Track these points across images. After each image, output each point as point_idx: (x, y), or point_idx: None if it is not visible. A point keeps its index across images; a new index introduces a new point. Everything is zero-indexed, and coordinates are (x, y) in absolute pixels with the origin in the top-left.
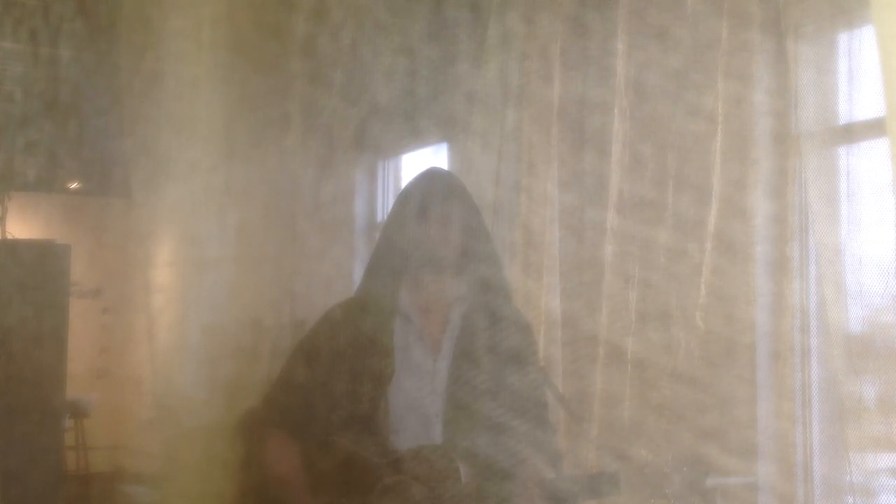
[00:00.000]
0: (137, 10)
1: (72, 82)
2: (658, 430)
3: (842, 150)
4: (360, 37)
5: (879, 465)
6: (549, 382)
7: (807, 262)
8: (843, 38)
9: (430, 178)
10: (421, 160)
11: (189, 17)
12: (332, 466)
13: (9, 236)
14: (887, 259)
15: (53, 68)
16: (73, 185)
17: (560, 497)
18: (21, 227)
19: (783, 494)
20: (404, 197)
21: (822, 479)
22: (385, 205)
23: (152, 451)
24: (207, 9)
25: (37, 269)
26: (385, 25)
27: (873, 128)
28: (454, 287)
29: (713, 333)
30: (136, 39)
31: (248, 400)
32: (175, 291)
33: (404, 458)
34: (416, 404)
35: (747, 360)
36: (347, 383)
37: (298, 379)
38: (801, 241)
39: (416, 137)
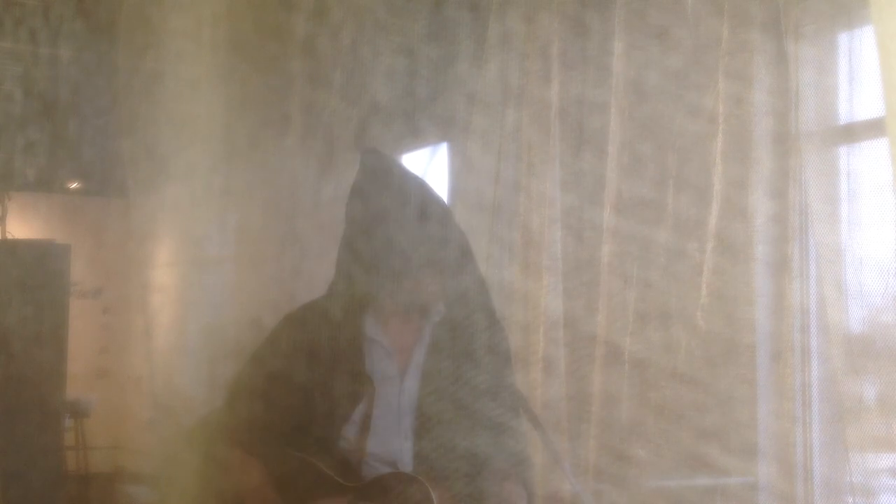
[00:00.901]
0: (137, 10)
1: (72, 82)
2: (658, 430)
3: (842, 150)
4: (360, 37)
5: (879, 465)
6: (520, 398)
7: (807, 262)
8: (843, 38)
9: (370, 172)
10: (421, 160)
11: (189, 16)
12: (298, 486)
13: (9, 236)
14: (887, 259)
15: (53, 68)
16: (73, 185)
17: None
18: (21, 227)
19: (783, 494)
20: (356, 196)
21: (822, 479)
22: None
23: (152, 451)
24: (207, 9)
25: (37, 269)
26: (385, 25)
27: (873, 128)
28: (424, 295)
29: (713, 333)
30: (136, 39)
31: (249, 400)
32: (175, 291)
33: (374, 483)
34: (386, 422)
35: (747, 361)
36: (315, 399)
37: (258, 389)
38: (801, 242)
39: (416, 137)
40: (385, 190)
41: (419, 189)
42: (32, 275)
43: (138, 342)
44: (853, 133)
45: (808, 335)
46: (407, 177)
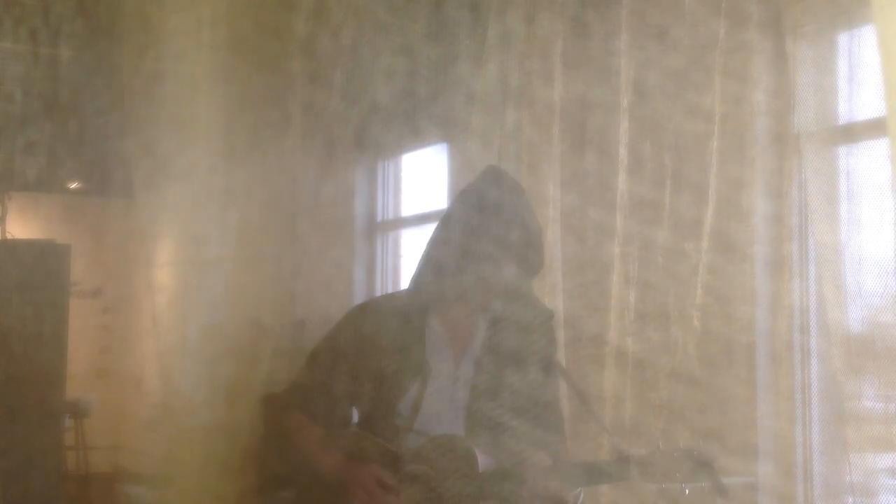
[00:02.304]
0: (137, 10)
1: (72, 82)
2: (658, 430)
3: (842, 150)
4: (360, 37)
5: (879, 465)
6: (569, 381)
7: (806, 262)
8: (843, 38)
9: (496, 185)
10: (421, 160)
11: (189, 17)
12: (353, 451)
13: (9, 236)
14: (887, 259)
15: (53, 68)
16: (73, 185)
17: (571, 480)
18: (21, 227)
19: (783, 494)
20: (466, 201)
21: (822, 479)
22: (385, 205)
23: (152, 451)
24: (207, 9)
25: (37, 269)
26: (385, 25)
27: (873, 128)
28: (483, 294)
29: (712, 333)
30: (136, 39)
31: (248, 400)
32: (175, 291)
33: (424, 447)
34: (438, 410)
35: (747, 360)
36: (374, 382)
37: (323, 370)
38: (800, 241)
39: (416, 137)
40: (496, 204)
41: (523, 213)
42: (32, 275)
43: (138, 342)
44: (853, 133)
45: (807, 335)
46: (516, 198)
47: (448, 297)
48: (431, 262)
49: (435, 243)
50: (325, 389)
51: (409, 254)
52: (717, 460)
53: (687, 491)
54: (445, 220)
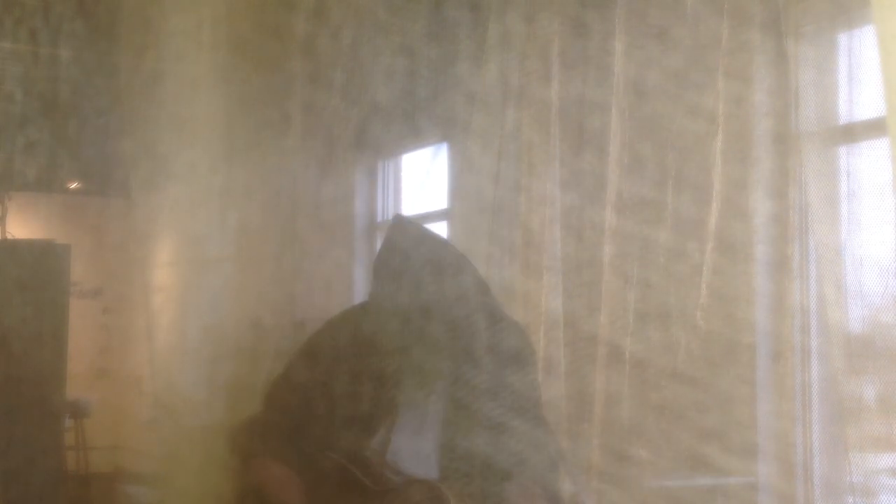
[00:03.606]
0: (137, 10)
1: (72, 82)
2: (658, 430)
3: (842, 150)
4: (360, 37)
5: (879, 465)
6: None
7: (807, 262)
8: (843, 38)
9: (393, 241)
10: (421, 160)
11: (189, 17)
12: (330, 487)
13: (9, 236)
14: (887, 259)
15: (53, 68)
16: (73, 185)
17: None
18: (21, 227)
19: (783, 494)
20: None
21: (822, 479)
22: (385, 205)
23: (152, 451)
24: (207, 9)
25: (37, 269)
26: (385, 25)
27: (873, 128)
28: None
29: (713, 333)
30: (136, 39)
31: (249, 400)
32: (175, 291)
33: (400, 490)
34: (411, 439)
35: (747, 360)
36: (342, 416)
37: (284, 406)
38: (801, 241)
39: (416, 137)
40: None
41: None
42: (32, 275)
43: (138, 342)
44: (853, 133)
45: (808, 335)
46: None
47: (408, 342)
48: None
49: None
50: (288, 425)
51: None
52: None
53: None
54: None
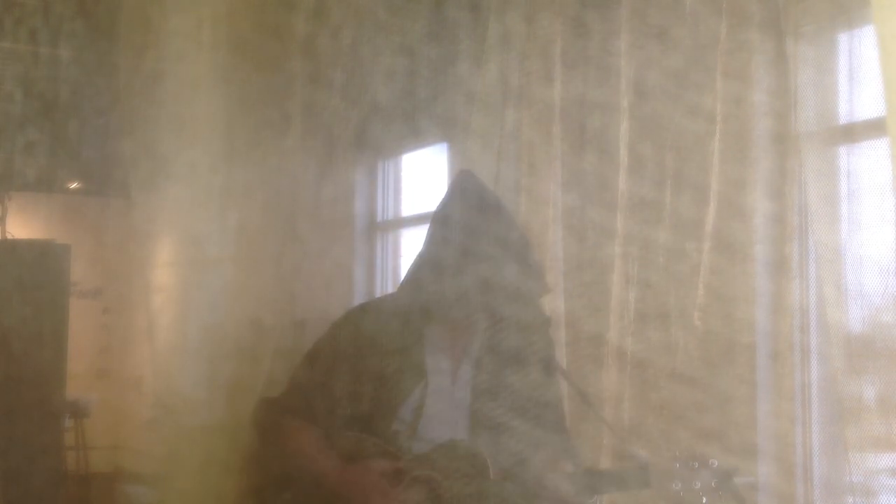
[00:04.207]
0: (137, 10)
1: (72, 82)
2: (658, 430)
3: (842, 150)
4: (360, 37)
5: (879, 465)
6: (570, 382)
7: (807, 262)
8: (843, 38)
9: (462, 193)
10: (421, 160)
11: (189, 17)
12: (354, 454)
13: (9, 236)
14: (887, 259)
15: (53, 68)
16: (73, 185)
17: (589, 488)
18: (21, 227)
19: (783, 494)
20: (443, 212)
21: (822, 479)
22: (385, 205)
23: (152, 451)
24: (207, 9)
25: (37, 269)
26: (385, 25)
27: (873, 128)
28: (475, 307)
29: (713, 333)
30: (136, 39)
31: (248, 400)
32: (175, 291)
33: (432, 453)
34: (440, 410)
35: (747, 360)
36: (373, 385)
37: (321, 371)
38: (801, 241)
39: (416, 137)
40: (475, 214)
41: (503, 229)
42: (32, 275)
43: (138, 342)
44: (853, 133)
45: (807, 335)
46: (499, 215)
47: (447, 297)
48: (429, 262)
49: (431, 242)
50: (323, 391)
51: (410, 254)
52: (737, 471)
53: (705, 499)
54: (441, 219)
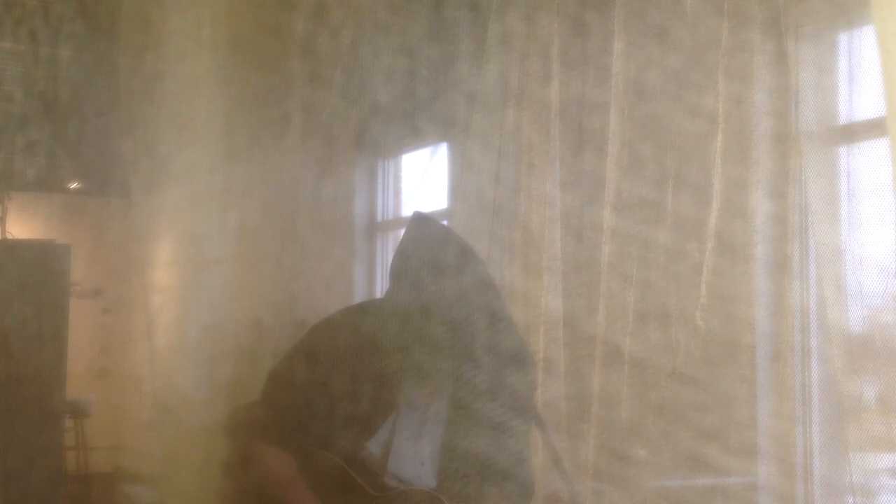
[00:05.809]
0: (137, 10)
1: (72, 82)
2: (658, 430)
3: (842, 150)
4: (360, 37)
5: (879, 465)
6: (543, 429)
7: (807, 262)
8: (843, 38)
9: (422, 241)
10: (421, 160)
11: (189, 17)
12: (327, 486)
13: (9, 236)
14: (887, 259)
15: (53, 68)
16: (73, 185)
17: None
18: (21, 227)
19: (783, 494)
20: (402, 266)
21: (822, 479)
22: (385, 205)
23: (152, 451)
24: (207, 9)
25: (37, 269)
26: (385, 25)
27: (873, 128)
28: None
29: (713, 333)
30: (136, 39)
31: (248, 400)
32: (175, 291)
33: (398, 499)
34: (407, 444)
35: (747, 361)
36: (345, 412)
37: (287, 391)
38: (801, 241)
39: (416, 137)
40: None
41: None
42: (32, 275)
43: (138, 342)
44: (853, 133)
45: (808, 335)
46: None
47: (417, 346)
48: (395, 314)
49: (396, 291)
50: (289, 413)
51: None
52: None
53: None
54: (399, 273)
